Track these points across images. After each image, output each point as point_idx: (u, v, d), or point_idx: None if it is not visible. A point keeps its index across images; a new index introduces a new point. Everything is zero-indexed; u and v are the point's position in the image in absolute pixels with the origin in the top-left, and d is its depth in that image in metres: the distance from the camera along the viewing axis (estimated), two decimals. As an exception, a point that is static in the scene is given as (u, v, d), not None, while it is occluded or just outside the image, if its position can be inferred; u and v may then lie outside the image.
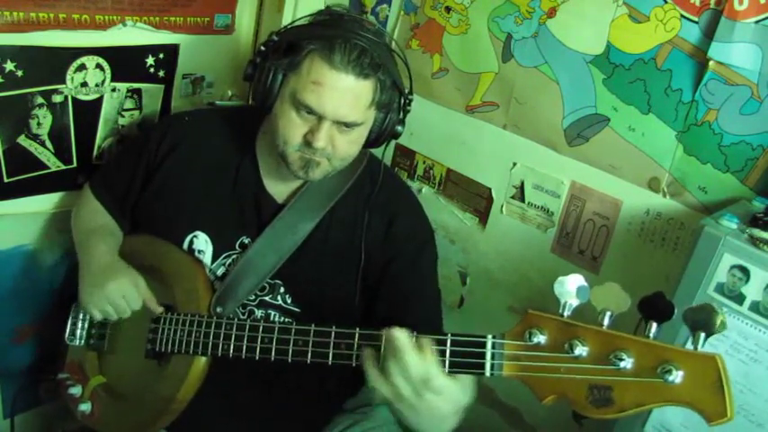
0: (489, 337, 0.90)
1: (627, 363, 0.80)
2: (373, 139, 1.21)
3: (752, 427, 1.05)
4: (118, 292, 1.20)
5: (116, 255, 1.29)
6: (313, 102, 1.10)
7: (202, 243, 1.26)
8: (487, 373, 0.89)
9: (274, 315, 1.25)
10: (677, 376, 0.77)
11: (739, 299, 1.04)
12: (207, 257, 1.26)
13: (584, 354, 0.83)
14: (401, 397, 0.91)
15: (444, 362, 0.92)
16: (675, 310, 0.79)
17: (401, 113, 1.22)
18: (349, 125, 1.12)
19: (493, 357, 0.89)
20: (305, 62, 1.10)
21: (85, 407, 1.31)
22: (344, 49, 1.07)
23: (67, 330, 1.43)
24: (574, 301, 0.85)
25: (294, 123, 1.13)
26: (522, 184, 1.51)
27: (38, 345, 1.63)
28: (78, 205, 1.42)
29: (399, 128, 1.23)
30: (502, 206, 1.55)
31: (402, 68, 1.20)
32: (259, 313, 1.25)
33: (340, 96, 1.09)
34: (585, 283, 0.84)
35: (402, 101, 1.20)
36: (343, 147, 1.15)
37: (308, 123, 1.13)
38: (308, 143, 1.13)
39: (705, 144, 1.23)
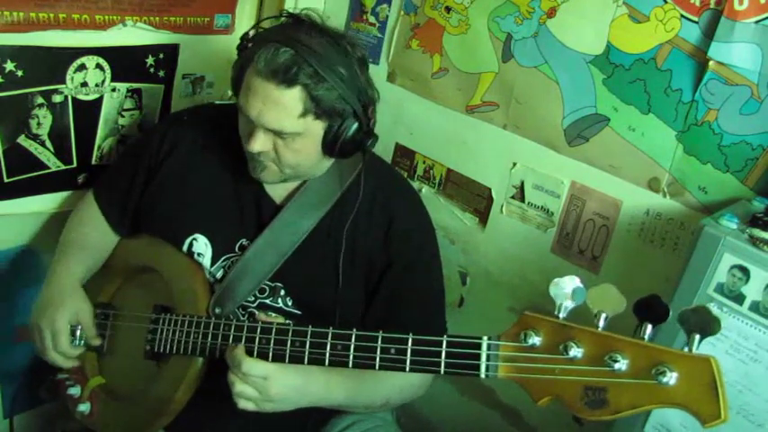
0: (485, 338, 0.90)
1: (621, 364, 0.80)
2: (329, 149, 1.16)
3: (752, 427, 1.05)
4: (36, 328, 1.23)
5: (76, 276, 1.29)
6: (242, 106, 1.11)
7: (202, 246, 1.26)
8: (483, 375, 0.89)
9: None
10: (671, 378, 0.77)
11: (739, 299, 1.03)
12: (206, 260, 1.26)
13: (579, 355, 0.83)
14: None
15: (440, 363, 0.93)
16: (671, 313, 0.79)
17: (362, 124, 1.15)
18: (279, 134, 1.12)
19: (488, 359, 0.89)
20: (248, 66, 1.11)
21: (84, 407, 1.31)
22: (269, 55, 1.06)
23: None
24: (569, 303, 0.85)
25: (242, 125, 1.16)
26: (522, 184, 1.51)
27: (38, 345, 1.63)
28: (77, 207, 1.42)
29: (365, 140, 1.17)
30: (502, 206, 1.55)
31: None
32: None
33: (262, 103, 1.08)
34: (581, 285, 0.84)
35: (360, 111, 1.14)
36: (286, 155, 1.15)
37: (250, 127, 1.14)
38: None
39: (705, 144, 1.23)
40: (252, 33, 1.16)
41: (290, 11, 1.17)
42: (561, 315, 0.85)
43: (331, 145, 1.15)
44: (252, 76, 1.09)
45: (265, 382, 1.05)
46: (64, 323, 1.22)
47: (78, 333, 1.32)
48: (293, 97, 1.08)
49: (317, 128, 1.13)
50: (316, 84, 1.07)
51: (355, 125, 1.15)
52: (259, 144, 1.12)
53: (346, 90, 1.11)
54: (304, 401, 1.11)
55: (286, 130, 1.10)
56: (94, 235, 1.37)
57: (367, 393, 1.21)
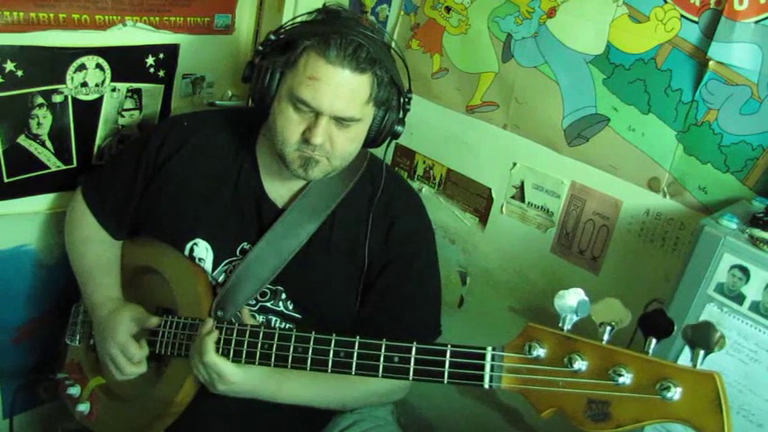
0: (489, 349, 0.90)
1: (626, 378, 0.80)
2: (372, 138, 1.20)
3: (752, 427, 1.05)
4: (108, 356, 1.23)
5: (116, 296, 1.30)
6: (309, 97, 1.09)
7: (203, 251, 1.25)
8: (486, 385, 0.89)
9: (275, 321, 1.25)
10: (676, 393, 0.77)
11: (739, 299, 1.03)
12: (207, 265, 1.25)
13: (584, 368, 0.83)
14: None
15: (443, 372, 0.93)
16: (675, 327, 0.79)
17: (400, 112, 1.22)
18: (346, 121, 1.12)
19: (492, 369, 0.89)
20: (301, 58, 1.10)
21: (84, 407, 1.32)
22: (340, 44, 1.07)
23: (67, 331, 1.43)
24: (574, 316, 0.85)
25: (292, 121, 1.13)
26: (522, 184, 1.51)
27: (37, 345, 1.63)
28: (70, 210, 1.41)
29: (399, 127, 1.22)
30: (502, 206, 1.55)
31: (401, 68, 1.20)
32: (260, 319, 1.25)
33: (336, 91, 1.09)
34: (586, 297, 0.84)
35: (401, 99, 1.20)
36: (341, 144, 1.15)
37: (306, 120, 1.12)
38: (306, 141, 1.12)
39: (705, 144, 1.23)
40: (282, 33, 1.16)
41: (325, 5, 1.20)
42: (566, 327, 0.85)
43: (377, 132, 1.20)
44: (318, 65, 1.08)
45: (219, 378, 1.10)
46: (126, 337, 1.21)
47: (78, 333, 1.32)
48: (365, 83, 1.11)
49: (370, 114, 1.17)
50: (379, 69, 1.11)
51: (395, 114, 1.20)
52: (323, 135, 1.12)
53: (395, 75, 1.16)
54: (248, 397, 1.15)
55: (355, 116, 1.12)
56: (107, 249, 1.37)
57: (320, 400, 1.23)
